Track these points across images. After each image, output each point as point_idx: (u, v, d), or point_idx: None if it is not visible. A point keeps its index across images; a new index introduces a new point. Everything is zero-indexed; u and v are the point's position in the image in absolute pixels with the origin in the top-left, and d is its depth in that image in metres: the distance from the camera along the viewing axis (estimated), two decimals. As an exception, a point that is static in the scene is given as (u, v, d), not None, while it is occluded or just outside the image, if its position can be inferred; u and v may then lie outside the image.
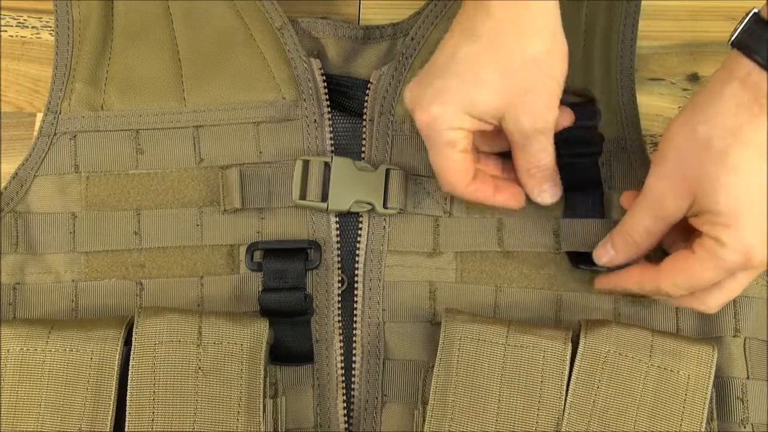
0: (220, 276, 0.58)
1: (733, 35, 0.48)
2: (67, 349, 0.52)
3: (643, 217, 0.51)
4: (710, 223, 0.48)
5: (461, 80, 0.50)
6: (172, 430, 0.51)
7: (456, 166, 0.52)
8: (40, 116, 0.62)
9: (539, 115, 0.50)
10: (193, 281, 0.58)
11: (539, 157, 0.52)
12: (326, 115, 0.59)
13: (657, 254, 0.54)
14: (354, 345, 0.57)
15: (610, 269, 0.54)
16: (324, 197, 0.57)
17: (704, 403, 0.51)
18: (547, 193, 0.55)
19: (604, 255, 0.54)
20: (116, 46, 0.60)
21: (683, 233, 0.52)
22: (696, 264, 0.49)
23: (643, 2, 0.60)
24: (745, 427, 0.54)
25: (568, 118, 0.55)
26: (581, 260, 0.56)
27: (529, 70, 0.49)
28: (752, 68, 0.46)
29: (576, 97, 0.58)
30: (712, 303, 0.52)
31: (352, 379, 0.57)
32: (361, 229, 0.58)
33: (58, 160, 0.59)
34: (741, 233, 0.47)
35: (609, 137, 0.58)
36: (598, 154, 0.58)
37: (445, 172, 0.52)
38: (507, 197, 0.54)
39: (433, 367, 0.53)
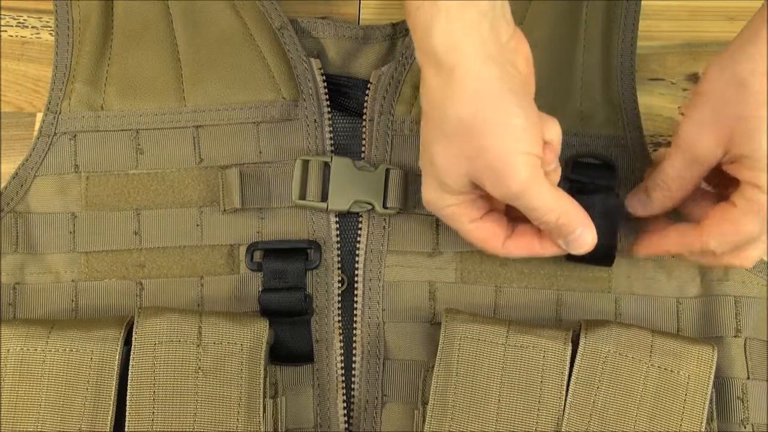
0: (220, 276, 0.58)
1: None
2: (67, 349, 0.52)
3: (676, 163, 0.50)
4: (749, 169, 0.47)
5: (425, 162, 0.50)
6: (172, 430, 0.51)
7: (475, 234, 0.52)
8: (40, 116, 0.62)
9: (501, 178, 0.47)
10: (193, 281, 0.58)
11: (535, 217, 0.49)
12: (326, 115, 0.59)
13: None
14: (354, 345, 0.57)
15: (600, 254, 0.53)
16: (324, 197, 0.57)
17: (704, 403, 0.51)
18: (569, 245, 0.51)
19: (638, 206, 0.53)
20: (116, 46, 0.60)
21: (709, 193, 0.52)
22: (740, 216, 0.48)
23: (643, 2, 0.60)
24: (745, 427, 0.54)
25: (555, 130, 0.50)
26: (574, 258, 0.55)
27: (466, 137, 0.46)
28: None
29: (596, 160, 0.57)
30: (752, 256, 0.50)
31: (352, 379, 0.57)
32: (360, 228, 0.58)
33: (58, 160, 0.59)
34: None
35: (609, 135, 0.58)
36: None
37: (473, 242, 0.52)
38: (554, 245, 0.52)
39: (433, 367, 0.53)
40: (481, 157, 0.46)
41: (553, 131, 0.50)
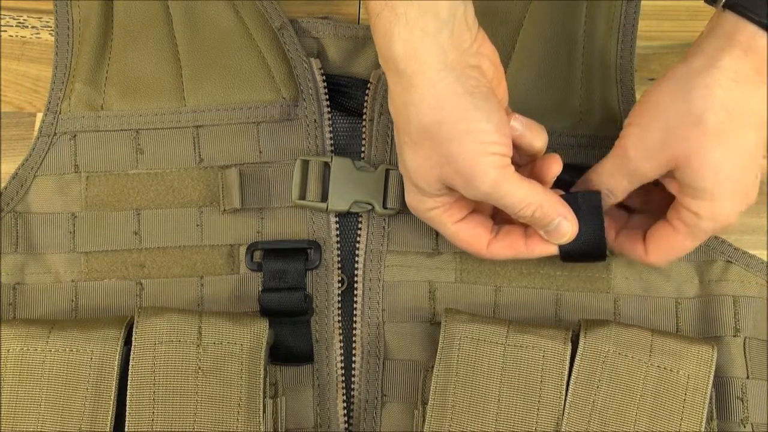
0: (220, 276, 0.58)
1: None
2: (67, 349, 0.52)
3: (623, 179, 0.51)
4: (691, 197, 0.49)
5: (402, 168, 0.51)
6: (172, 430, 0.51)
7: (459, 236, 0.52)
8: (40, 116, 0.62)
9: (470, 181, 0.47)
10: (193, 281, 0.58)
11: (511, 212, 0.49)
12: (326, 115, 0.59)
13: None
14: (354, 345, 0.57)
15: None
16: (324, 197, 0.57)
17: (704, 402, 0.51)
18: (549, 235, 0.51)
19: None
20: (116, 46, 0.60)
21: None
22: (682, 241, 0.51)
23: (643, 2, 0.60)
24: (744, 427, 0.54)
25: (555, 166, 0.52)
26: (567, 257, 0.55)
27: (431, 143, 0.47)
28: (755, 32, 0.46)
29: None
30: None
31: (352, 379, 0.57)
32: (360, 229, 0.58)
33: (58, 160, 0.59)
34: (720, 205, 0.49)
35: (608, 135, 0.58)
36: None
37: (457, 244, 0.53)
38: (541, 245, 0.52)
39: (433, 367, 0.53)
40: (449, 163, 0.47)
41: (538, 137, 0.51)
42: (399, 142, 0.50)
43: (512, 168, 0.48)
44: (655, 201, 0.54)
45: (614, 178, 0.52)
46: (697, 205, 0.49)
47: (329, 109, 0.59)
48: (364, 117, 0.59)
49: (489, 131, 0.47)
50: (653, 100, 0.49)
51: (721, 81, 0.47)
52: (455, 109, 0.46)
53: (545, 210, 0.49)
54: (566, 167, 0.55)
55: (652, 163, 0.50)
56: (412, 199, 0.52)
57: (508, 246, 0.52)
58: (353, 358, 0.57)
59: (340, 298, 0.57)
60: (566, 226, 0.51)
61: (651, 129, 0.49)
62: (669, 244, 0.52)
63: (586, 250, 0.53)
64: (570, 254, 0.53)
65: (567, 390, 0.51)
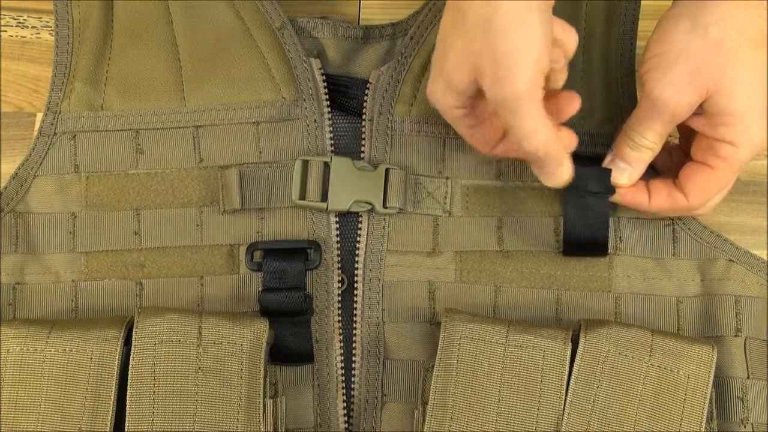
0: (220, 276, 0.58)
1: None
2: (67, 349, 0.52)
3: (654, 124, 0.52)
4: (725, 125, 0.50)
5: (439, 57, 0.50)
6: (172, 430, 0.51)
7: (470, 139, 0.53)
8: (40, 116, 0.62)
9: (501, 75, 0.46)
10: (193, 281, 0.58)
11: (517, 137, 0.49)
12: (326, 115, 0.59)
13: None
14: (354, 345, 0.57)
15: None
16: (324, 197, 0.57)
17: (704, 402, 0.51)
18: (545, 178, 0.52)
19: (621, 175, 0.54)
20: (116, 46, 0.60)
21: None
22: (721, 177, 0.52)
23: (643, 2, 0.60)
24: (745, 427, 0.54)
25: (574, 104, 0.52)
26: (571, 252, 0.57)
27: (482, 31, 0.46)
28: None
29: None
30: (717, 202, 0.55)
31: (352, 379, 0.57)
32: (360, 228, 0.58)
33: (58, 160, 0.59)
34: (751, 130, 0.50)
35: (609, 133, 0.58)
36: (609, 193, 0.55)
37: (465, 140, 0.54)
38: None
39: (433, 367, 0.53)
40: (490, 52, 0.46)
41: (570, 35, 0.50)
42: (446, 31, 0.49)
43: (541, 94, 0.48)
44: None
45: (655, 126, 0.52)
46: (732, 132, 0.50)
47: (329, 109, 0.59)
48: (364, 117, 0.59)
49: (540, 42, 0.46)
50: (668, 38, 0.50)
51: (733, 10, 0.48)
52: (519, 9, 0.46)
53: (548, 150, 0.49)
54: (578, 158, 0.55)
55: (687, 100, 0.50)
56: (438, 91, 0.51)
57: (512, 148, 0.53)
58: (353, 358, 0.57)
59: (340, 298, 0.57)
60: (563, 174, 0.51)
61: (674, 66, 0.50)
62: (709, 183, 0.52)
63: (590, 234, 0.54)
64: (574, 238, 0.54)
65: (567, 390, 0.51)
